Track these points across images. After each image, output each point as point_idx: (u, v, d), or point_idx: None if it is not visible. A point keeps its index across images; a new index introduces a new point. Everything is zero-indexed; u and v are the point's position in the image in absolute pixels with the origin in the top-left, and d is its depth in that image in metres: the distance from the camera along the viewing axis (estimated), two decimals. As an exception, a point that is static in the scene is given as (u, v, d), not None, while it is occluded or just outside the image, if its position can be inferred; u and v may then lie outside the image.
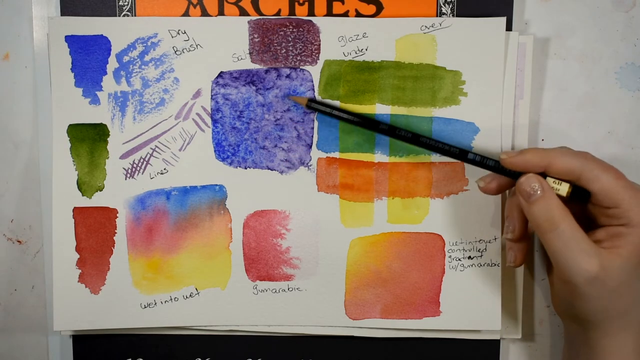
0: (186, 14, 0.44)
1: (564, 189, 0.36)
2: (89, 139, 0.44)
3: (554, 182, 0.37)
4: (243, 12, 0.44)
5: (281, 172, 0.45)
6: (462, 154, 0.40)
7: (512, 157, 0.37)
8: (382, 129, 0.41)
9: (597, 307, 0.35)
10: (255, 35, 0.44)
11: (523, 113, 0.44)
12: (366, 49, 0.44)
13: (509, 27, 0.44)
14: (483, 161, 0.39)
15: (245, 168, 0.45)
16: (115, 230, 0.45)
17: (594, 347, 0.36)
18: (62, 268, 0.45)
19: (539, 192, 0.35)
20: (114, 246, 0.45)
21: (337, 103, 0.44)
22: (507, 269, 0.45)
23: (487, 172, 0.40)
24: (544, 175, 0.37)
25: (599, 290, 0.34)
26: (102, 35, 0.44)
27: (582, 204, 0.38)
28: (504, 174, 0.39)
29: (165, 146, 0.44)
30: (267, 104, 0.44)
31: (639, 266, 0.35)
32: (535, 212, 0.35)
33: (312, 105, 0.42)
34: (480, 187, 0.40)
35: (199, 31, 0.44)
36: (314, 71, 0.44)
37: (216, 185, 0.45)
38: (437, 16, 0.44)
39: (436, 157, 0.44)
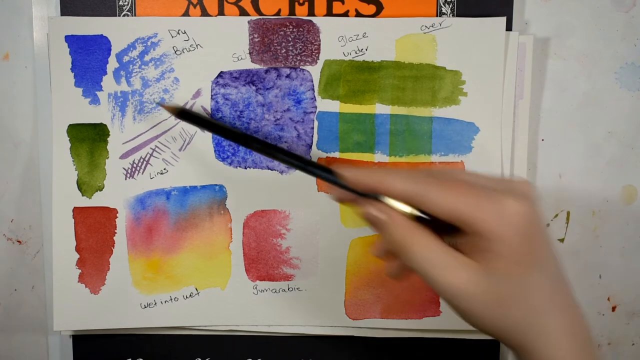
0: (186, 14, 0.44)
1: (409, 209, 0.32)
2: (89, 139, 0.44)
3: (400, 204, 0.32)
4: (243, 12, 0.44)
5: (281, 172, 0.45)
6: (307, 165, 0.35)
7: (350, 175, 0.33)
8: (256, 147, 0.37)
9: (487, 323, 0.30)
10: (255, 35, 0.44)
11: (523, 113, 0.44)
12: (366, 49, 0.44)
13: (509, 27, 0.44)
14: (306, 166, 0.35)
15: (245, 168, 0.45)
16: (115, 230, 0.45)
17: None
18: (62, 268, 0.45)
19: (383, 218, 0.32)
20: (114, 246, 0.45)
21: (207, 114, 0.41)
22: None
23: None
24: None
25: (483, 307, 0.30)
26: (102, 35, 0.44)
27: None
28: (324, 179, 0.34)
29: (165, 146, 0.44)
30: (267, 104, 0.44)
31: (525, 272, 0.30)
32: (387, 239, 0.32)
33: (183, 115, 0.39)
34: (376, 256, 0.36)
35: (199, 31, 0.44)
36: (314, 71, 0.44)
37: (216, 185, 0.45)
38: (437, 16, 0.44)
39: (436, 157, 0.44)
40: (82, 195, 0.45)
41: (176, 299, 0.45)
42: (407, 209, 0.32)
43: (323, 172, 0.34)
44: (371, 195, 0.32)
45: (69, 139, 0.44)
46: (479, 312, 0.30)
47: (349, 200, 0.34)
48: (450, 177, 0.32)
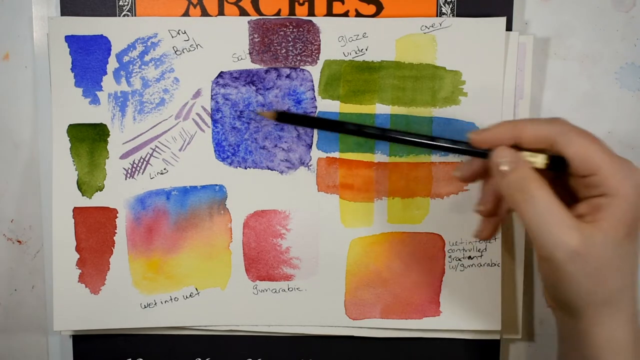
0: (186, 14, 0.44)
1: (540, 160, 0.33)
2: (89, 139, 0.44)
3: (529, 155, 0.34)
4: (243, 12, 0.44)
5: (281, 172, 0.45)
6: (432, 141, 0.37)
7: (480, 134, 0.35)
8: (350, 129, 0.38)
9: (582, 289, 0.32)
10: (255, 35, 0.44)
11: (523, 113, 0.44)
12: (366, 49, 0.44)
13: (509, 27, 0.44)
14: (454, 145, 0.36)
15: (245, 168, 0.45)
16: (115, 230, 0.45)
17: (584, 338, 0.33)
18: (62, 268, 0.45)
19: (511, 163, 0.33)
20: (114, 246, 0.45)
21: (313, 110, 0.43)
22: (507, 268, 0.45)
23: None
24: (519, 149, 0.34)
25: (581, 268, 0.31)
26: (102, 35, 0.44)
27: (562, 176, 0.34)
28: (478, 155, 0.36)
29: (165, 146, 0.44)
30: (267, 104, 0.44)
31: (624, 241, 0.31)
32: (508, 184, 0.33)
33: (283, 117, 0.40)
34: (457, 177, 0.38)
35: (199, 31, 0.44)
36: (314, 71, 0.44)
37: (216, 185, 0.45)
38: (437, 16, 0.44)
39: (436, 157, 0.44)
40: (82, 195, 0.45)
41: (176, 299, 0.45)
42: (541, 157, 0.33)
43: (447, 143, 0.36)
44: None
45: (69, 139, 0.44)
46: (581, 275, 0.31)
47: (476, 175, 0.36)
48: (580, 129, 0.33)
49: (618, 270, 0.31)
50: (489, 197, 0.37)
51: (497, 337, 0.45)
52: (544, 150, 0.34)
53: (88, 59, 0.44)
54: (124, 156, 0.44)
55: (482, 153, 0.35)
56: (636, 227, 0.32)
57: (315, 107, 0.44)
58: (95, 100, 0.44)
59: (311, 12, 0.44)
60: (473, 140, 0.35)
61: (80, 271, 0.45)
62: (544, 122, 0.33)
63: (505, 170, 0.33)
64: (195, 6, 0.44)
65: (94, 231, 0.45)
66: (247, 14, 0.44)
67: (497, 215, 0.38)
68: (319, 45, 0.44)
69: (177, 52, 0.44)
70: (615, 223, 0.31)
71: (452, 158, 0.44)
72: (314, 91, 0.44)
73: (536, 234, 0.31)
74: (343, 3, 0.44)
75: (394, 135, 0.38)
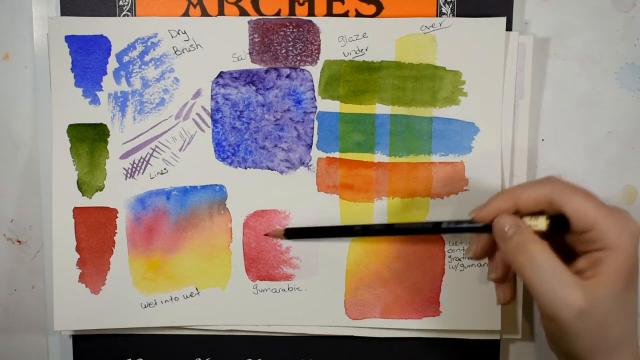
0: (186, 14, 0.44)
1: (541, 223, 0.34)
2: (89, 139, 0.44)
3: (530, 218, 0.35)
4: (243, 12, 0.44)
5: (281, 172, 0.45)
6: (436, 226, 0.39)
7: (480, 210, 0.36)
8: (357, 230, 0.42)
9: (587, 344, 0.32)
10: (255, 35, 0.44)
11: (523, 113, 0.44)
12: (366, 49, 0.44)
13: (509, 27, 0.44)
14: (458, 225, 0.38)
15: (245, 168, 0.45)
16: (116, 230, 0.45)
17: None
18: (62, 268, 0.45)
19: (512, 229, 0.34)
20: (114, 246, 0.45)
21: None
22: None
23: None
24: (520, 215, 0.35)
25: (586, 325, 0.32)
26: (102, 35, 0.44)
27: (562, 235, 0.35)
28: (483, 231, 0.37)
29: (165, 146, 0.44)
30: (267, 104, 0.44)
31: (624, 292, 0.32)
32: (510, 249, 0.34)
33: (290, 234, 0.44)
34: (470, 257, 0.39)
35: (199, 31, 0.44)
36: (314, 71, 0.44)
37: (216, 185, 0.45)
38: (437, 16, 0.44)
39: (436, 157, 0.44)
40: (82, 195, 0.45)
41: (176, 299, 0.45)
42: (542, 219, 0.34)
43: (452, 225, 0.38)
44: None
45: (69, 139, 0.44)
46: (586, 331, 0.32)
47: (486, 250, 0.38)
48: (575, 186, 0.34)
49: (620, 320, 0.32)
50: (499, 264, 0.38)
51: (497, 337, 0.45)
52: (542, 212, 0.35)
53: (88, 59, 0.44)
54: (124, 156, 0.44)
55: (486, 227, 0.36)
56: (635, 276, 0.33)
57: (315, 107, 0.44)
58: (95, 100, 0.44)
59: (311, 12, 0.44)
60: (475, 217, 0.36)
61: (80, 271, 0.45)
62: (539, 185, 0.34)
63: (506, 236, 0.34)
64: (195, 6, 0.44)
65: (94, 231, 0.45)
66: (247, 14, 0.44)
67: (510, 280, 0.39)
68: (319, 45, 0.44)
69: (177, 52, 0.44)
70: (616, 275, 0.32)
71: (452, 158, 0.44)
72: (314, 91, 0.44)
73: (540, 295, 0.32)
74: (343, 3, 0.44)
75: (400, 227, 0.41)
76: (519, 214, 0.35)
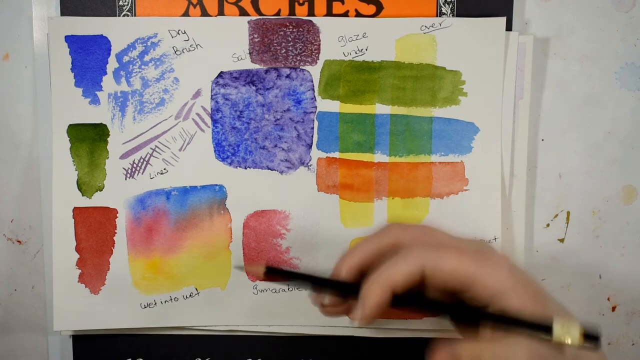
0: (186, 14, 0.44)
1: (574, 335, 0.29)
2: (89, 139, 0.44)
3: (561, 327, 0.29)
4: (243, 12, 0.44)
5: (281, 172, 0.45)
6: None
7: (364, 312, 0.32)
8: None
9: None
10: (255, 35, 0.44)
11: (523, 113, 0.44)
12: (366, 49, 0.44)
13: (509, 27, 0.44)
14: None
15: (245, 168, 0.45)
16: (115, 230, 0.45)
17: None
18: (62, 268, 0.45)
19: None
20: (114, 246, 0.45)
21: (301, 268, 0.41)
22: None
23: None
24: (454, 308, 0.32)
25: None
26: (102, 35, 0.44)
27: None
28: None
29: (165, 146, 0.44)
30: (267, 104, 0.44)
31: (540, 312, 0.30)
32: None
33: (270, 273, 0.35)
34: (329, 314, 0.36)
35: (199, 31, 0.44)
36: (314, 71, 0.44)
37: (216, 185, 0.45)
38: (437, 16, 0.44)
39: (436, 157, 0.44)
40: (82, 195, 0.45)
41: (176, 299, 0.45)
42: (573, 330, 0.29)
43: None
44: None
45: (69, 139, 0.44)
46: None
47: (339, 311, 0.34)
48: (437, 244, 0.32)
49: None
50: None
51: (497, 337, 0.45)
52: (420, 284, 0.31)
53: (88, 59, 0.44)
54: (124, 156, 0.44)
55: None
56: (540, 296, 0.30)
57: (315, 107, 0.44)
58: (95, 100, 0.44)
59: (311, 12, 0.44)
60: (363, 322, 0.32)
61: (80, 271, 0.45)
62: (403, 261, 0.31)
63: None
64: (195, 6, 0.44)
65: (94, 231, 0.45)
66: (247, 14, 0.44)
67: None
68: (319, 45, 0.44)
69: (177, 52, 0.44)
70: (530, 312, 0.29)
71: (452, 158, 0.44)
72: (314, 91, 0.44)
73: None
74: (343, 3, 0.44)
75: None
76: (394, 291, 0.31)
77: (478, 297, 0.30)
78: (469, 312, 0.31)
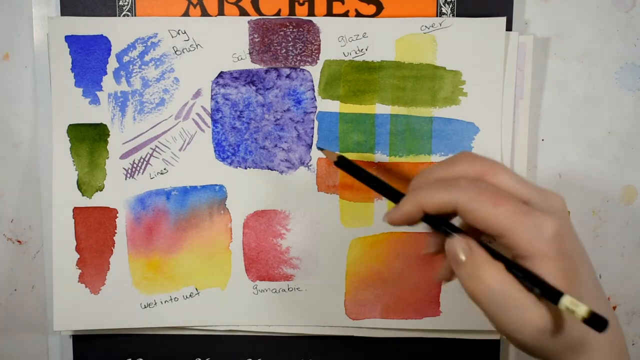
0: (186, 14, 0.44)
1: (581, 311, 0.29)
2: (89, 139, 0.44)
3: (570, 303, 0.29)
4: (243, 12, 0.44)
5: (281, 172, 0.45)
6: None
7: (393, 215, 0.33)
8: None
9: (552, 354, 0.31)
10: (255, 35, 0.44)
11: (523, 113, 0.44)
12: (366, 49, 0.44)
13: (509, 27, 0.44)
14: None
15: (245, 168, 0.45)
16: (115, 230, 0.45)
17: None
18: (62, 268, 0.45)
19: (463, 255, 0.31)
20: (114, 246, 0.45)
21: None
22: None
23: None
24: (478, 233, 0.32)
25: (547, 342, 0.30)
26: (102, 35, 0.44)
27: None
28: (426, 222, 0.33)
29: (165, 146, 0.44)
30: (267, 104, 0.44)
31: (570, 293, 0.29)
32: (463, 277, 0.31)
33: (341, 162, 0.37)
34: (429, 254, 0.36)
35: (199, 31, 0.44)
36: (314, 71, 0.44)
37: (216, 185, 0.45)
38: (437, 16, 0.44)
39: (436, 157, 0.44)
40: (82, 195, 0.45)
41: (176, 299, 0.45)
42: (583, 308, 0.29)
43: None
44: (431, 219, 0.32)
45: (69, 139, 0.44)
46: (541, 343, 0.30)
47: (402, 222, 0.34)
48: (485, 185, 0.31)
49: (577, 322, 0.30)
50: (447, 271, 0.35)
51: (497, 337, 0.45)
52: (448, 214, 0.32)
53: (88, 59, 0.44)
54: (124, 156, 0.44)
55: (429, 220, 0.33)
56: (573, 275, 0.30)
57: (315, 107, 0.44)
58: (95, 100, 0.44)
59: (311, 12, 0.44)
60: (389, 222, 0.33)
61: (80, 271, 0.45)
62: (443, 189, 0.31)
63: (458, 261, 0.32)
64: (195, 6, 0.44)
65: (94, 231, 0.45)
66: (247, 14, 0.44)
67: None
68: (319, 45, 0.44)
69: (177, 52, 0.44)
70: (553, 283, 0.29)
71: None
72: (314, 91, 0.44)
73: (499, 324, 0.31)
74: (343, 3, 0.44)
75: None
76: (476, 232, 0.32)
77: (509, 249, 0.30)
78: (489, 249, 0.32)
